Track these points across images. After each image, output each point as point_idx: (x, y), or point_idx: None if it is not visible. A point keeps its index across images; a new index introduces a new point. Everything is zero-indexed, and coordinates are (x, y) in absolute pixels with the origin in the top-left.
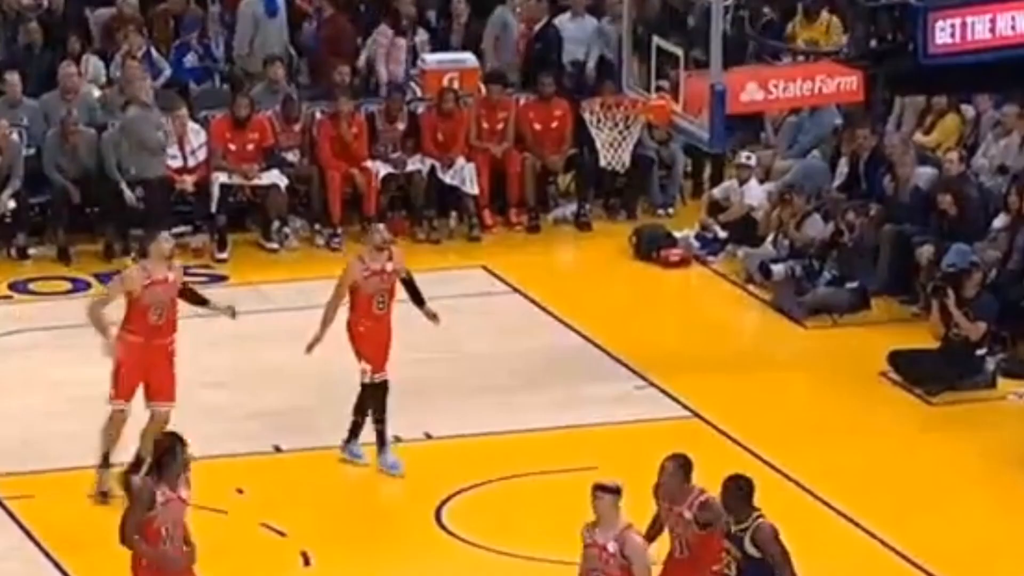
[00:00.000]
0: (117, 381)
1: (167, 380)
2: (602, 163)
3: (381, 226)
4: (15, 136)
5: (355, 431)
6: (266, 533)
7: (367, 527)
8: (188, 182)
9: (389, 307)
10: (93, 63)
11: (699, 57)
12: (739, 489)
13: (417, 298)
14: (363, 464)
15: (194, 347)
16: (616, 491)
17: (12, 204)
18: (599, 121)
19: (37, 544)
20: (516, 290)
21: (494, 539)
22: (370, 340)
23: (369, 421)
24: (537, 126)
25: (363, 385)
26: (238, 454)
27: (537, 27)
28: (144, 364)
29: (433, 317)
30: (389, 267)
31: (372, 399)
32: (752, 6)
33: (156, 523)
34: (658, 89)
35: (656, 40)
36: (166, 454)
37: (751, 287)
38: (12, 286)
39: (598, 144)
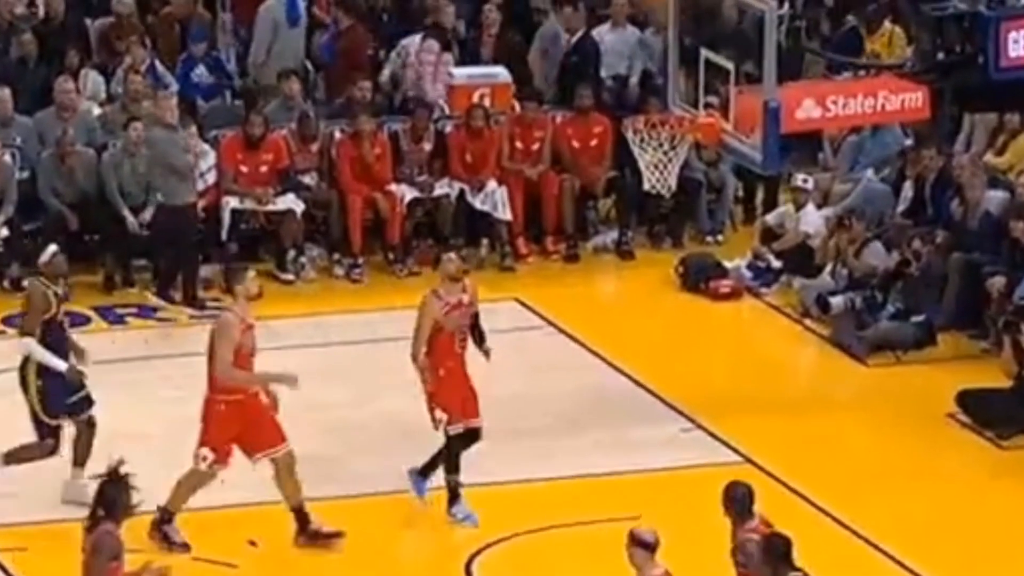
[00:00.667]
0: (209, 433)
1: (268, 426)
2: (646, 186)
3: (453, 255)
4: (7, 158)
5: (455, 491)
6: None
7: None
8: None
9: (466, 345)
10: (92, 78)
11: (751, 71)
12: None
13: (479, 335)
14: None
15: (197, 387)
16: (651, 546)
17: (4, 232)
18: (643, 141)
19: None
20: (552, 325)
21: None
22: (452, 384)
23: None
24: (575, 143)
25: (449, 437)
26: (250, 503)
27: (574, 39)
28: (242, 419)
29: (487, 354)
30: (466, 299)
31: (456, 449)
32: (809, 16)
33: (120, 573)
34: (707, 106)
35: (705, 53)
36: (118, 496)
37: (808, 321)
38: (6, 320)
39: (641, 166)
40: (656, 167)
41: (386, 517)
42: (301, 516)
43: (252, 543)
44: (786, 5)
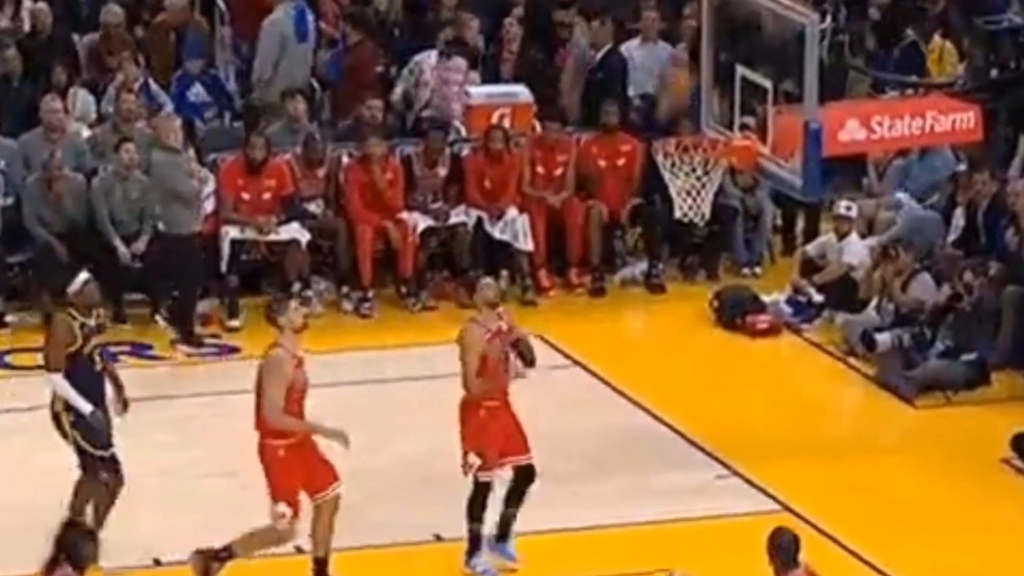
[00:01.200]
0: (279, 485)
1: (324, 464)
2: (677, 214)
3: (490, 280)
4: None
5: (476, 541)
6: None
7: None
8: None
9: (508, 377)
10: (81, 97)
11: (791, 90)
12: None
13: (527, 356)
14: None
15: (193, 431)
16: None
17: None
18: (674, 165)
19: None
20: (578, 363)
21: None
22: (494, 424)
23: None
24: (601, 162)
25: (478, 484)
26: (251, 556)
27: (600, 54)
28: (303, 461)
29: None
30: (504, 326)
31: (483, 496)
32: (853, 30)
33: None
34: (743, 127)
35: (741, 70)
36: (78, 546)
37: (852, 359)
38: None
39: (672, 192)
40: (688, 193)
41: (406, 570)
42: (322, 568)
43: None
44: (828, 18)
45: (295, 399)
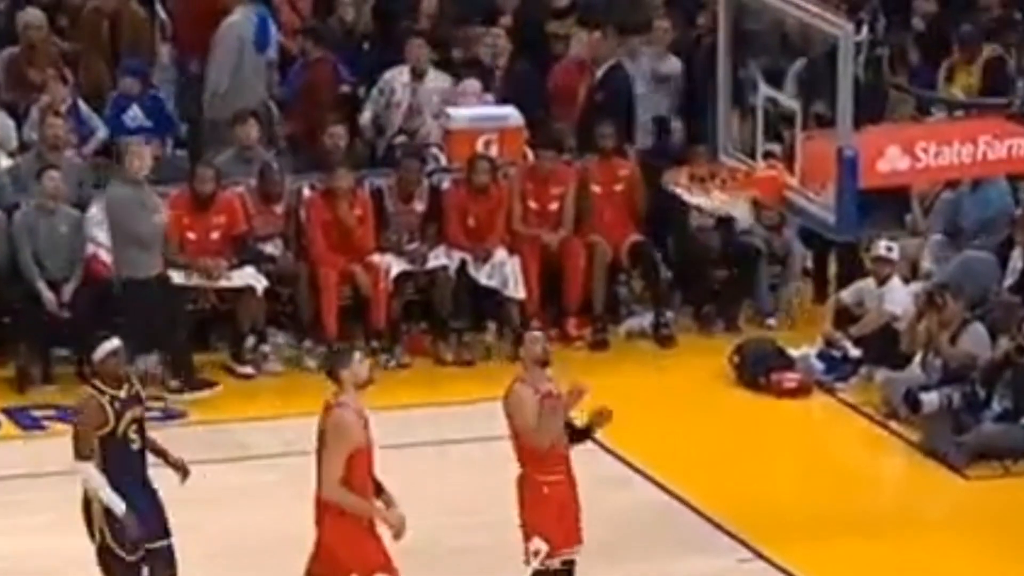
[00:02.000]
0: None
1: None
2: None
3: (538, 332)
4: None
5: None
6: None
7: None
8: None
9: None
10: (0, 122)
11: (822, 112)
12: None
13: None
14: None
15: None
16: None
17: None
18: (691, 195)
19: None
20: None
21: None
22: (558, 502)
23: None
24: (596, 188)
25: (539, 572)
26: None
27: (600, 71)
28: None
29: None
30: (555, 388)
31: None
32: (893, 42)
33: None
34: (767, 155)
35: (764, 89)
36: None
37: (894, 423)
38: None
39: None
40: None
41: None
42: None
43: None
44: (865, 30)
45: (362, 463)
